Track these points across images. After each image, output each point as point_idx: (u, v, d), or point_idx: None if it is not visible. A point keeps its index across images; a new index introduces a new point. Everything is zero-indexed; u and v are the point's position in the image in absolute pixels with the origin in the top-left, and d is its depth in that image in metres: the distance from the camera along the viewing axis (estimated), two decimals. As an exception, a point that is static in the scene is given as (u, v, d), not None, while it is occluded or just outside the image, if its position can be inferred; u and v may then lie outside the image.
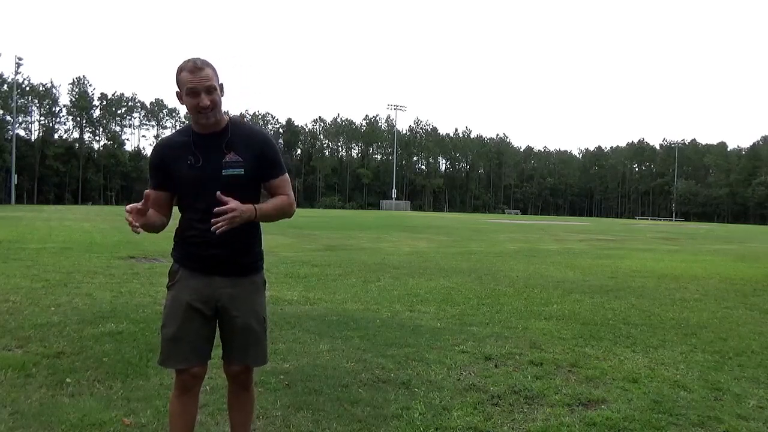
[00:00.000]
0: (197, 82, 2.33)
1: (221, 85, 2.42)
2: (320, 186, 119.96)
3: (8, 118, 79.29)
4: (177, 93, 2.43)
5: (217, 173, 2.40)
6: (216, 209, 2.28)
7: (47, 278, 8.38)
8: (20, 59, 74.01)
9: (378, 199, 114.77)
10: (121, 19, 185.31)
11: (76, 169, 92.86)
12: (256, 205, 2.40)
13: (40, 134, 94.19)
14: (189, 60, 2.38)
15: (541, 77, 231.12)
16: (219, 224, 2.28)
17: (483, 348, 5.07)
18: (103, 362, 4.34)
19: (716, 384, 4.24)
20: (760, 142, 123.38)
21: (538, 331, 5.90)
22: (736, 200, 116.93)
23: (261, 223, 2.58)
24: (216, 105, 2.38)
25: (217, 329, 2.58)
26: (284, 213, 2.54)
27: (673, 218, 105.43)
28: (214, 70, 2.40)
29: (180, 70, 2.38)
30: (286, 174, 2.58)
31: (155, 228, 2.50)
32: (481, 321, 6.32)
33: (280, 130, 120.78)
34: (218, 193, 2.30)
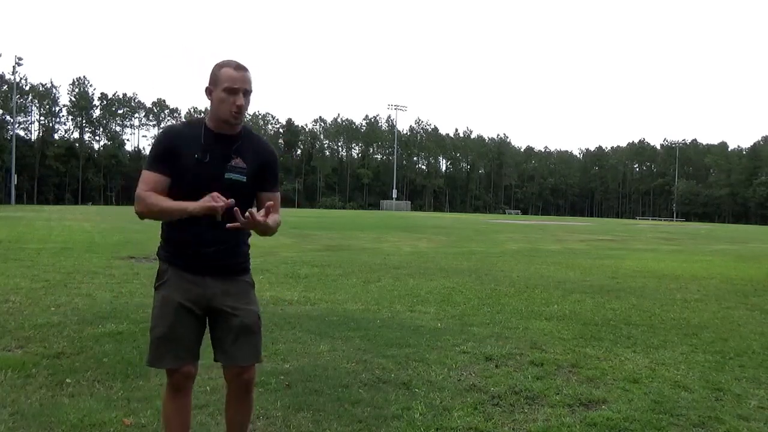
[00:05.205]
0: (241, 83, 2.35)
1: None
2: (320, 186, 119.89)
3: (8, 118, 79.30)
4: (207, 88, 2.42)
5: (219, 174, 2.39)
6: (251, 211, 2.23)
7: (47, 278, 8.38)
8: (20, 59, 73.71)
9: (378, 199, 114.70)
10: (122, 19, 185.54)
11: (76, 169, 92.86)
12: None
13: (40, 134, 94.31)
14: (231, 60, 2.40)
15: (541, 77, 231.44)
16: (233, 225, 2.24)
17: (483, 348, 5.07)
18: (103, 362, 4.33)
19: (717, 384, 4.23)
20: (761, 142, 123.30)
21: (539, 331, 5.89)
22: (737, 200, 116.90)
23: None
24: (245, 110, 2.40)
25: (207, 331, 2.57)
26: (274, 231, 2.48)
27: (674, 218, 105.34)
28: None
29: (222, 65, 2.39)
30: (279, 194, 2.58)
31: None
32: (481, 321, 6.32)
33: (280, 130, 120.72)
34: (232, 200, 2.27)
